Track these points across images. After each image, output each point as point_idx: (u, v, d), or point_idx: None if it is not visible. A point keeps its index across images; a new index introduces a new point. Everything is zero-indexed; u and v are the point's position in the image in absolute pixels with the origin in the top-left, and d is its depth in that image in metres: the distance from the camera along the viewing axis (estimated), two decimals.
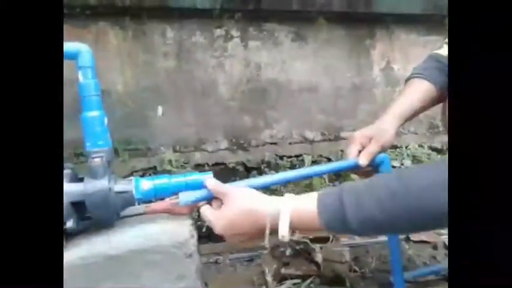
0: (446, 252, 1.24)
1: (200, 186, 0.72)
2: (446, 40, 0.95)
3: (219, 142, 1.45)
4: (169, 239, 0.66)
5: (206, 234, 1.39)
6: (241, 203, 0.60)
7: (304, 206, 0.56)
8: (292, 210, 0.56)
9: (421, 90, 0.91)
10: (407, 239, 1.47)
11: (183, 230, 0.69)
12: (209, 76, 1.41)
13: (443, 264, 1.19)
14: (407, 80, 0.95)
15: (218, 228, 0.63)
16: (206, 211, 0.65)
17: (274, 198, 0.60)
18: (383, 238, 1.47)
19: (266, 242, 0.57)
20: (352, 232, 0.53)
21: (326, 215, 0.53)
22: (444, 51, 0.94)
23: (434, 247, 1.34)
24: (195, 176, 0.72)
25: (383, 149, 0.83)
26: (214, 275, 1.24)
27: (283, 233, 0.55)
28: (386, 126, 0.86)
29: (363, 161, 0.79)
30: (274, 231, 0.57)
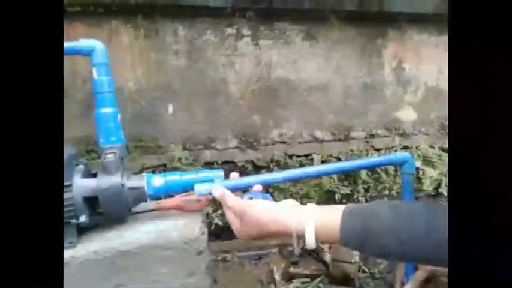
0: None
1: (211, 182, 0.73)
2: None
3: (228, 140, 1.45)
4: (180, 235, 0.67)
5: (215, 232, 1.40)
6: (262, 219, 0.59)
7: (328, 221, 0.55)
8: (317, 224, 0.56)
9: None
10: None
11: (194, 226, 0.69)
12: (219, 75, 1.42)
13: None
14: None
15: (243, 237, 0.62)
16: (232, 221, 0.63)
17: (296, 208, 0.60)
18: None
19: (297, 250, 0.59)
20: (363, 254, 0.55)
21: (347, 237, 0.54)
22: None
23: None
24: (206, 173, 0.72)
25: None
26: (222, 273, 1.25)
27: (311, 243, 0.55)
28: None
29: None
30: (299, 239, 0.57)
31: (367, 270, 1.19)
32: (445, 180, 1.74)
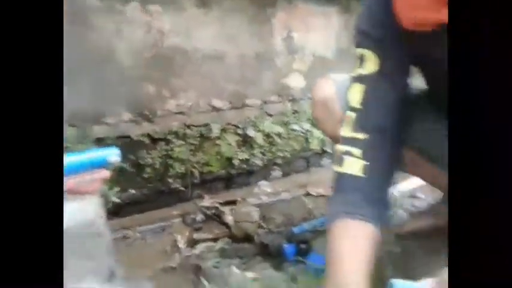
0: None
1: (104, 162, 0.70)
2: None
3: (120, 114, 1.38)
4: (77, 219, 0.64)
5: (113, 210, 1.34)
6: None
7: None
8: None
9: (369, 244, 0.70)
10: (308, 194, 1.63)
11: (90, 209, 0.67)
12: (106, 43, 1.30)
13: None
14: (334, 219, 0.74)
15: None
16: None
17: None
18: (286, 196, 1.62)
19: None
20: None
21: None
22: (350, 165, 0.77)
23: None
24: (99, 153, 0.69)
25: None
26: (124, 250, 1.22)
27: None
28: None
29: None
30: None
31: (265, 226, 1.30)
32: (336, 148, 1.96)
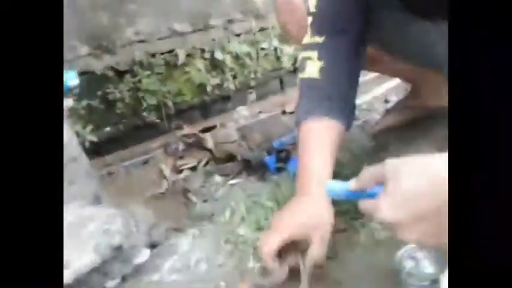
0: None
1: (65, 87, 0.66)
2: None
3: (77, 48, 1.29)
4: None
5: (92, 149, 1.32)
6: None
7: None
8: None
9: (332, 137, 0.75)
10: (284, 112, 1.65)
11: None
12: None
13: None
14: (300, 122, 0.79)
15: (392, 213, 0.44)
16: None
17: None
18: (264, 116, 1.62)
19: None
20: None
21: None
22: (310, 69, 0.80)
23: None
24: None
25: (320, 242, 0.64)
26: (110, 186, 1.23)
27: None
28: (318, 212, 0.66)
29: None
30: None
31: (245, 144, 1.32)
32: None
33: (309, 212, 0.66)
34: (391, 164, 0.45)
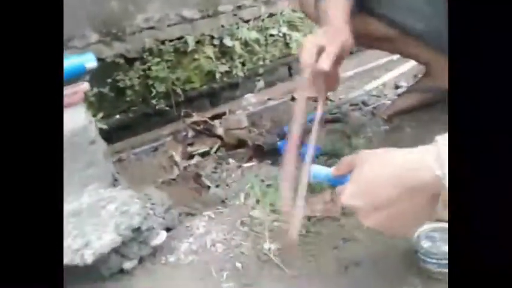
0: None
1: (82, 68, 0.67)
2: None
3: (87, 36, 1.29)
4: (68, 128, 0.62)
5: (102, 137, 1.33)
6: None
7: None
8: None
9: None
10: (293, 99, 1.64)
11: (78, 117, 0.65)
12: None
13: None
14: None
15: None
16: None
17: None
18: (273, 103, 1.62)
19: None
20: None
21: None
22: None
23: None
24: (75, 59, 0.65)
25: (344, 51, 0.76)
26: (122, 171, 1.24)
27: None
28: (338, 25, 0.79)
29: (326, 64, 0.71)
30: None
31: (256, 130, 1.32)
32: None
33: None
34: (363, 154, 0.50)
